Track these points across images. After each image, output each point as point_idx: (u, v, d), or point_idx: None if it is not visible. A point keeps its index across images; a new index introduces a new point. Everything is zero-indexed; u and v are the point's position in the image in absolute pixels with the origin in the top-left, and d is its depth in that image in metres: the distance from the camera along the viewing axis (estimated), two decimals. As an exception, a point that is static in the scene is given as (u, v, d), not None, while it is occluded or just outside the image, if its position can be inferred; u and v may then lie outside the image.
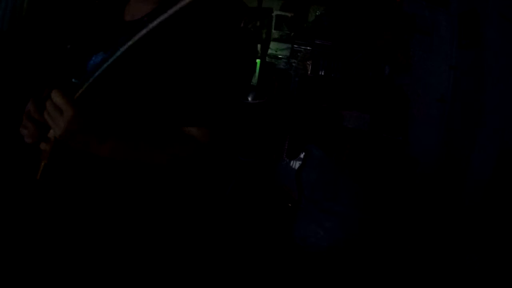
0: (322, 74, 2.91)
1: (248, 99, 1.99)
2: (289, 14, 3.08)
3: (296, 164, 2.36)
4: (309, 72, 2.86)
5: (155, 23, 0.62)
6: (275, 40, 3.08)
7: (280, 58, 3.06)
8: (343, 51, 2.91)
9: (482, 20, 2.74)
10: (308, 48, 2.89)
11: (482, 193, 2.61)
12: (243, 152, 2.02)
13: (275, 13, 3.09)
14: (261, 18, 2.96)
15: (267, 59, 3.01)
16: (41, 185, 0.84)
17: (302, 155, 2.35)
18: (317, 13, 3.02)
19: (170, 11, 0.60)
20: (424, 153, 3.01)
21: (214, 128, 0.81)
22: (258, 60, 2.73)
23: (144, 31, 0.63)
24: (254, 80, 2.75)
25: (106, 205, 0.84)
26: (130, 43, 0.64)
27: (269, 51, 3.05)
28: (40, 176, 0.78)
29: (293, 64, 2.45)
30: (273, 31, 3.09)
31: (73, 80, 0.85)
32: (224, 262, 1.86)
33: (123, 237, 0.84)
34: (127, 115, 0.78)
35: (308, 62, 2.85)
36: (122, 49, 0.64)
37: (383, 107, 2.86)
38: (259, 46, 2.82)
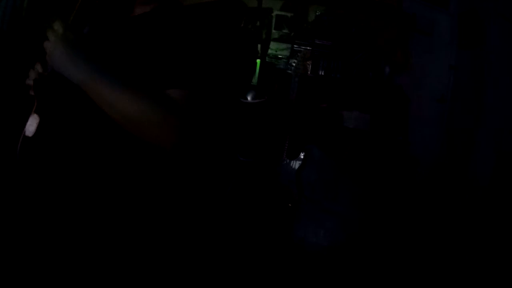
0: (322, 74, 2.91)
1: (248, 99, 2.00)
2: (289, 14, 3.08)
3: (296, 164, 2.36)
4: (309, 72, 2.86)
5: None
6: (275, 40, 3.08)
7: (280, 58, 3.06)
8: (343, 51, 2.91)
9: (482, 20, 2.74)
10: (308, 48, 2.89)
11: (482, 192, 2.61)
12: (243, 152, 2.02)
13: (275, 13, 3.09)
14: (261, 18, 2.96)
15: (267, 59, 3.01)
16: (36, 183, 0.84)
17: (302, 155, 2.34)
18: (317, 13, 3.01)
19: None
20: (424, 153, 3.01)
21: (191, 89, 0.81)
22: (258, 60, 2.73)
23: None
24: (254, 80, 2.75)
25: (105, 203, 0.84)
26: None
27: (269, 51, 3.05)
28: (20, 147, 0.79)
29: (293, 64, 2.44)
30: (273, 31, 3.08)
31: None
32: (224, 262, 1.86)
33: (122, 236, 0.84)
34: (117, 63, 0.81)
35: (308, 62, 2.85)
36: None
37: (383, 107, 2.86)
38: (259, 46, 2.81)
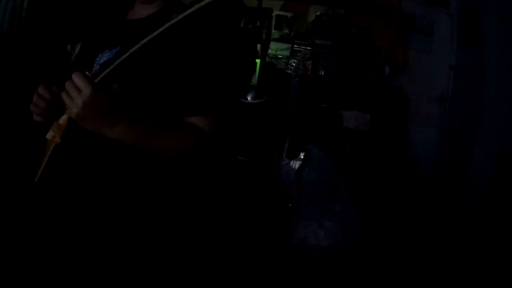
0: (322, 74, 2.91)
1: (248, 99, 1.99)
2: (289, 14, 3.08)
3: (296, 164, 2.36)
4: (309, 72, 2.86)
5: (166, 25, 0.64)
6: (275, 40, 3.08)
7: (280, 58, 3.06)
8: (343, 51, 2.91)
9: (482, 20, 2.74)
10: (308, 48, 2.89)
11: (482, 193, 2.61)
12: (243, 152, 2.02)
13: (275, 13, 3.09)
14: (261, 18, 2.96)
15: (267, 59, 3.01)
16: (41, 185, 0.85)
17: (302, 155, 2.34)
18: (317, 13, 3.01)
19: (180, 16, 0.63)
20: (424, 153, 3.01)
21: (215, 116, 0.86)
22: (258, 60, 2.73)
23: (157, 32, 0.65)
24: (254, 80, 2.75)
25: (107, 205, 0.84)
26: (144, 40, 0.66)
27: (269, 51, 3.04)
28: (39, 177, 0.80)
29: (293, 64, 2.44)
30: (273, 31, 3.08)
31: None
32: (223, 262, 1.86)
33: (123, 237, 0.85)
34: (140, 105, 0.82)
35: (308, 62, 2.85)
36: (138, 45, 0.67)
37: (383, 107, 2.86)
38: (259, 46, 2.81)
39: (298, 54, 2.48)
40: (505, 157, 2.57)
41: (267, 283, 1.83)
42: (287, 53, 3.05)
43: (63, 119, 0.78)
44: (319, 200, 2.21)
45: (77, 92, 0.69)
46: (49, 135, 0.81)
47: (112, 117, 0.73)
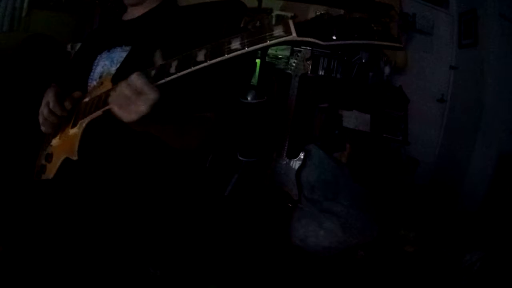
0: (322, 74, 2.90)
1: (248, 99, 2.00)
2: (289, 14, 3.08)
3: (296, 164, 2.36)
4: (309, 72, 2.86)
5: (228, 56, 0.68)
6: (275, 40, 3.08)
7: (280, 58, 3.06)
8: (343, 51, 2.91)
9: (482, 20, 2.74)
10: (308, 48, 2.89)
11: (482, 193, 2.61)
12: (243, 152, 2.02)
13: (275, 13, 3.09)
14: (261, 18, 2.96)
15: (267, 59, 3.01)
16: (42, 185, 0.85)
17: (302, 155, 2.34)
18: (317, 13, 3.01)
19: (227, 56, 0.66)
20: (424, 153, 3.01)
21: (217, 112, 0.94)
22: (258, 60, 2.73)
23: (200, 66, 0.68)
24: (254, 80, 2.75)
25: (107, 205, 0.84)
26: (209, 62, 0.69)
27: (269, 51, 3.04)
28: (37, 176, 0.80)
29: (293, 64, 2.44)
30: (273, 31, 3.08)
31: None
32: (223, 262, 1.86)
33: (122, 236, 0.85)
34: (173, 106, 0.84)
35: (308, 62, 2.85)
36: (204, 64, 0.69)
37: (383, 107, 2.86)
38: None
39: (298, 54, 2.48)
40: (505, 157, 2.57)
41: (267, 283, 1.83)
42: (287, 53, 3.05)
43: (73, 132, 0.77)
44: (319, 200, 2.21)
45: (138, 96, 0.67)
46: (55, 142, 0.81)
47: (165, 117, 0.75)
